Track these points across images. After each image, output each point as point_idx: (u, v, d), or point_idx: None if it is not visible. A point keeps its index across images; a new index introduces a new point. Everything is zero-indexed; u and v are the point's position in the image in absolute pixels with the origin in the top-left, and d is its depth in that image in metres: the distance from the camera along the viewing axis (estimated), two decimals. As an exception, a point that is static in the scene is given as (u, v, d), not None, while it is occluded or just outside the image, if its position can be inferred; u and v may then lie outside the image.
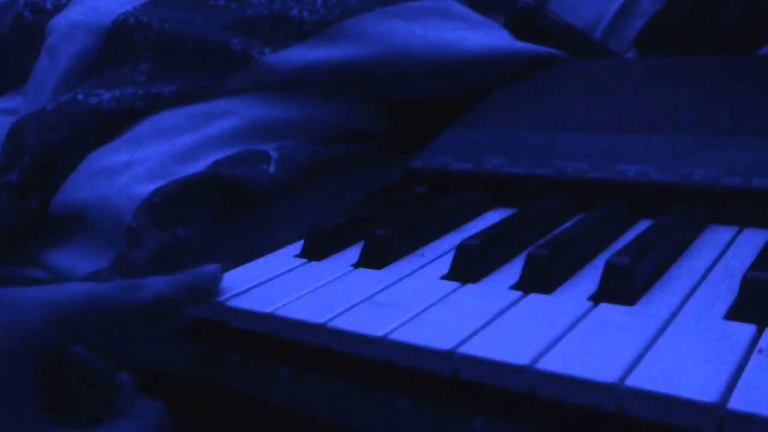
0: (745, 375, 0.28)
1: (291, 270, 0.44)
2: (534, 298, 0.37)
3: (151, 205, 0.55)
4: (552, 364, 0.31)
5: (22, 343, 0.31)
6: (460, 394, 0.32)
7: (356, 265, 0.44)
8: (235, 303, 0.40)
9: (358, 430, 0.34)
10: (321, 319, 0.37)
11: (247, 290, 0.41)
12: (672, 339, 0.32)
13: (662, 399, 0.28)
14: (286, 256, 0.47)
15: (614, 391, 0.29)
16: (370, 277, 0.42)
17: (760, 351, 0.30)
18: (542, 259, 0.39)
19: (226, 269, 0.44)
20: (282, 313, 0.38)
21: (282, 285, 0.42)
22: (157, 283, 0.38)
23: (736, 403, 0.27)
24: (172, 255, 0.55)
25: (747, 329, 0.32)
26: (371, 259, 0.44)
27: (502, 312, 0.36)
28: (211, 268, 0.41)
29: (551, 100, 0.60)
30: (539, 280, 0.39)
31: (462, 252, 0.42)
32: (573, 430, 0.30)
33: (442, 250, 0.46)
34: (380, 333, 0.35)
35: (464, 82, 0.66)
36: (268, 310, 0.38)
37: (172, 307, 0.38)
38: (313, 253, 0.46)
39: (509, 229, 0.45)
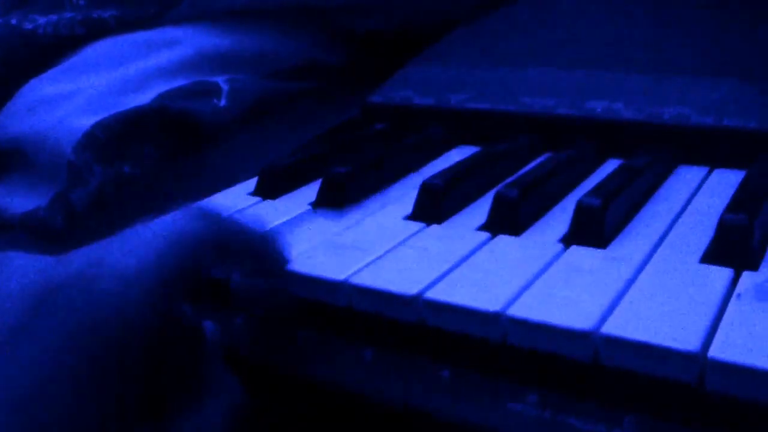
0: (724, 321, 0.27)
1: (244, 208, 0.42)
2: (502, 239, 0.35)
3: (93, 139, 0.51)
4: (524, 310, 0.29)
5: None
6: (426, 343, 0.31)
7: (314, 205, 0.42)
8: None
9: (319, 379, 0.32)
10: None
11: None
12: (648, 284, 0.30)
13: (640, 348, 0.26)
14: (239, 194, 0.44)
15: (590, 339, 0.27)
16: (329, 217, 0.40)
17: (738, 296, 0.29)
18: (511, 200, 0.37)
19: (175, 208, 0.42)
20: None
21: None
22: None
23: (716, 351, 0.26)
24: (118, 193, 0.51)
25: (724, 273, 0.30)
26: (330, 198, 0.42)
27: (469, 255, 0.34)
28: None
29: (519, 35, 0.58)
30: (507, 221, 0.37)
31: (426, 191, 0.40)
32: (545, 380, 0.28)
33: (404, 190, 0.44)
34: (341, 277, 0.32)
35: (429, 13, 0.63)
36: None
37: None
38: (268, 190, 0.44)
39: (474, 168, 0.43)
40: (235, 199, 0.43)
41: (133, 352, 0.24)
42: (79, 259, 0.25)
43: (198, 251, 0.27)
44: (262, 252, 0.32)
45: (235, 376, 0.29)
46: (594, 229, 0.35)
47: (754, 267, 0.31)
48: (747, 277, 0.30)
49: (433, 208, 0.39)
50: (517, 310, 0.29)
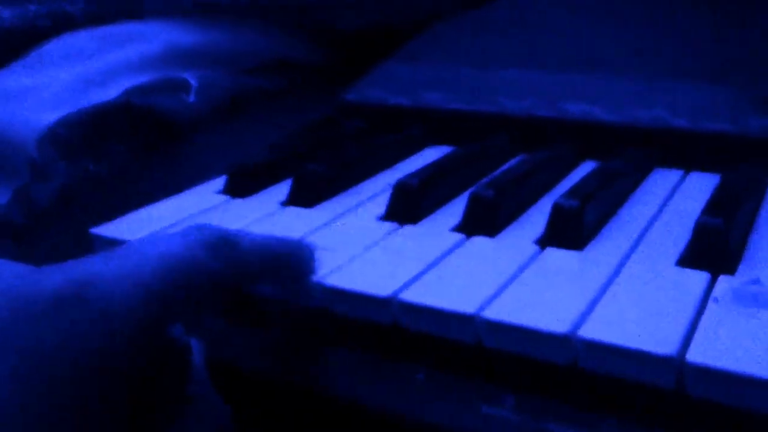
0: (702, 325, 0.27)
1: (212, 207, 0.40)
2: (478, 241, 0.35)
3: (56, 135, 0.50)
4: (500, 313, 0.28)
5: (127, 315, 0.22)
6: (401, 345, 0.30)
7: (285, 204, 0.41)
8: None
9: (290, 381, 0.31)
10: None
11: (163, 228, 0.37)
12: (624, 287, 0.30)
13: (618, 352, 0.26)
14: (207, 193, 0.43)
15: (567, 342, 0.27)
16: (301, 217, 0.39)
17: (715, 300, 0.28)
18: (487, 200, 0.36)
19: (142, 205, 0.40)
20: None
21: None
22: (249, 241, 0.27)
23: (694, 355, 0.25)
24: (83, 191, 0.50)
25: (701, 277, 0.30)
26: (301, 197, 0.41)
27: (444, 256, 0.33)
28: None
29: (497, 35, 0.57)
30: (483, 222, 0.36)
31: (400, 191, 0.39)
32: (521, 384, 0.28)
33: (377, 189, 0.43)
34: (313, 278, 0.31)
35: (405, 12, 0.62)
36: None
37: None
38: (238, 189, 0.43)
39: (449, 168, 0.42)
40: (204, 198, 0.42)
41: (117, 375, 0.22)
42: (63, 273, 0.23)
43: (198, 279, 0.24)
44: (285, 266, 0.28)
45: (220, 394, 0.28)
46: (571, 231, 0.34)
47: (731, 271, 0.31)
48: (724, 281, 0.30)
49: (407, 208, 0.38)
50: (493, 313, 0.28)
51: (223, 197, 0.42)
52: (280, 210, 0.40)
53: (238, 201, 0.41)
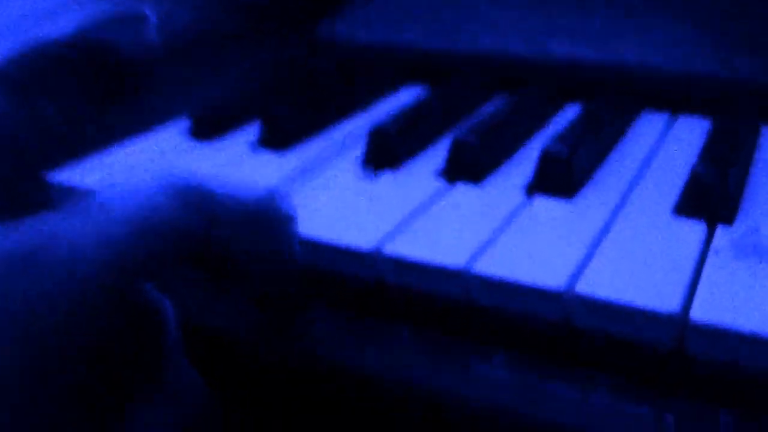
0: (703, 280, 0.25)
1: (177, 151, 0.38)
2: (462, 188, 0.33)
3: (3, 74, 0.46)
4: (490, 266, 0.26)
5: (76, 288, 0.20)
6: (385, 301, 0.28)
7: (255, 148, 0.38)
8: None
9: (272, 348, 0.29)
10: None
11: (126, 174, 0.35)
12: (619, 238, 0.28)
13: (615, 309, 0.24)
14: (172, 135, 0.40)
15: (561, 299, 0.25)
16: (272, 163, 0.36)
17: (716, 252, 0.27)
18: (470, 146, 0.34)
19: (102, 150, 0.38)
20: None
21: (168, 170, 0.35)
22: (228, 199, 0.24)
23: (698, 312, 0.24)
24: (33, 135, 0.47)
25: (699, 227, 0.29)
26: (272, 141, 0.38)
27: (428, 205, 0.31)
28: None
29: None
30: (467, 168, 0.34)
31: (378, 136, 0.36)
32: (512, 343, 0.26)
33: (352, 132, 0.40)
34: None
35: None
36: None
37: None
38: (204, 131, 0.40)
39: (427, 111, 0.40)
40: (168, 141, 0.39)
41: (82, 347, 0.20)
42: (28, 230, 0.20)
43: (169, 235, 0.22)
44: (263, 218, 0.26)
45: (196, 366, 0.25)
46: (560, 178, 0.32)
47: (729, 221, 0.29)
48: (722, 232, 0.28)
49: (385, 154, 0.36)
50: (483, 266, 0.26)
51: (188, 140, 0.39)
52: (250, 155, 0.37)
53: (205, 144, 0.39)
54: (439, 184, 0.33)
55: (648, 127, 0.39)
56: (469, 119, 0.41)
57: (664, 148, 0.37)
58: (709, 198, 0.30)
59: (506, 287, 0.26)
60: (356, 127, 0.41)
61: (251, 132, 0.40)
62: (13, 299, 0.19)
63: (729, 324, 0.23)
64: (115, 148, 0.38)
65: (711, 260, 0.27)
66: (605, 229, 0.29)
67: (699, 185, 0.30)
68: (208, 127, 0.40)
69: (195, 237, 0.23)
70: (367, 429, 0.27)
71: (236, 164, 0.36)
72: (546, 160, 0.33)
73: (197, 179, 0.23)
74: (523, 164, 0.35)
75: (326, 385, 0.27)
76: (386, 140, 0.36)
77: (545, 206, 0.31)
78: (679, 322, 0.24)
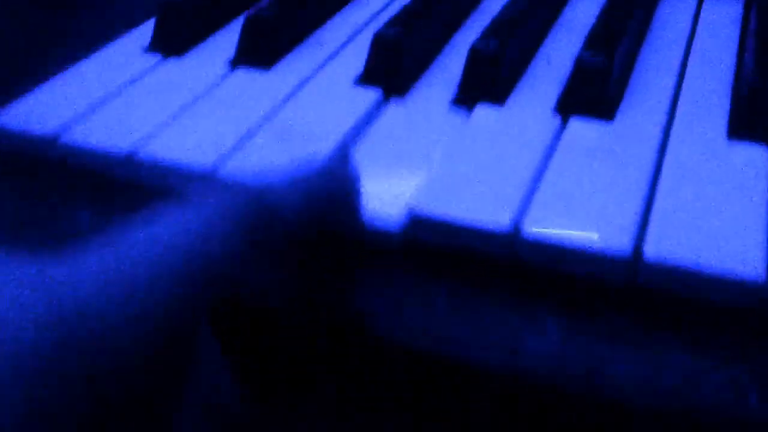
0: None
1: (140, 76, 0.32)
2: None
3: None
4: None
5: None
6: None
7: (234, 62, 0.33)
8: (74, 137, 0.28)
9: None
10: (207, 161, 0.26)
11: (84, 115, 0.29)
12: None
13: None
14: (131, 50, 0.34)
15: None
16: (259, 84, 0.31)
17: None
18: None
19: (44, 73, 0.31)
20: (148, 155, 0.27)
21: (133, 102, 0.30)
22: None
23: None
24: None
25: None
26: (255, 53, 0.33)
27: (454, 143, 0.27)
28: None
29: None
30: (491, 88, 0.29)
31: (380, 46, 0.31)
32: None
33: (343, 34, 0.35)
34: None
35: None
36: (123, 147, 0.27)
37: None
38: (170, 41, 0.34)
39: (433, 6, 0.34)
40: (127, 60, 0.33)
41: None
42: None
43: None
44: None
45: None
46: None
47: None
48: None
49: (390, 70, 0.31)
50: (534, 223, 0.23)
51: (151, 57, 0.33)
52: (230, 75, 0.32)
53: (173, 62, 0.33)
54: (456, 110, 0.29)
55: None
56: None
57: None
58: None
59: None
60: (346, 27, 0.35)
61: (229, 40, 0.34)
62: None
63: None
64: (61, 75, 0.32)
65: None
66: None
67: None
68: (176, 36, 0.34)
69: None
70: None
71: (215, 92, 0.30)
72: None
73: (250, 195, 0.19)
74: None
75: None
76: (390, 51, 0.31)
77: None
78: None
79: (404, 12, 0.33)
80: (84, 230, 0.25)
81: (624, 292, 0.22)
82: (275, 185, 0.20)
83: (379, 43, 0.31)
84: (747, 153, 0.25)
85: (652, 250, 0.22)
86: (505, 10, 0.33)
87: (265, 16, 0.32)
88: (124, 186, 0.27)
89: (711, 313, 0.22)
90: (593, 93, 0.28)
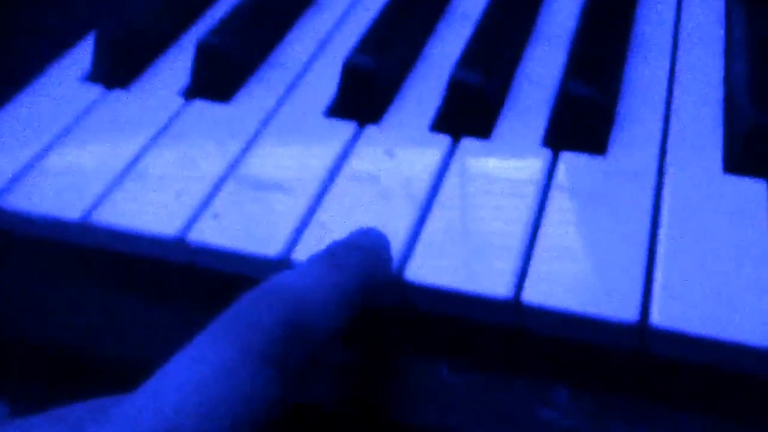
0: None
1: (82, 113, 0.28)
2: (469, 144, 0.26)
3: None
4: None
5: None
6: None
7: (188, 94, 0.29)
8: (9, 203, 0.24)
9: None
10: (170, 231, 0.23)
11: (12, 179, 0.25)
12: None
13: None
14: (67, 81, 0.30)
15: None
16: (221, 120, 0.28)
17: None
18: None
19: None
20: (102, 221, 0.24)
21: (76, 153, 0.26)
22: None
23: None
24: None
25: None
26: (211, 85, 0.29)
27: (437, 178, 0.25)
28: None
29: None
30: (473, 123, 0.27)
31: (352, 74, 0.28)
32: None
33: (301, 58, 0.32)
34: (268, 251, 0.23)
35: None
36: (74, 215, 0.24)
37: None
38: (113, 71, 0.30)
39: (400, 20, 0.32)
40: (65, 93, 0.29)
41: None
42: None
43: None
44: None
45: None
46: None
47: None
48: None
49: (365, 100, 0.29)
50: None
51: (93, 89, 0.29)
52: (185, 110, 0.28)
53: (118, 95, 0.29)
54: (445, 140, 0.27)
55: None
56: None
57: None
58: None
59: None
60: (305, 49, 0.32)
61: (177, 66, 0.31)
62: None
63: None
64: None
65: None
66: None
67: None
68: (120, 64, 0.30)
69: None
70: None
71: (172, 132, 0.27)
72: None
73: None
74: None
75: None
76: (364, 80, 0.29)
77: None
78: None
79: (373, 32, 0.30)
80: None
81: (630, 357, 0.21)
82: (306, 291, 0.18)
83: (350, 74, 0.28)
84: (747, 188, 0.24)
85: (658, 318, 0.20)
86: (481, 27, 0.31)
87: (217, 45, 0.29)
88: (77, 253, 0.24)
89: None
90: (585, 127, 0.26)
